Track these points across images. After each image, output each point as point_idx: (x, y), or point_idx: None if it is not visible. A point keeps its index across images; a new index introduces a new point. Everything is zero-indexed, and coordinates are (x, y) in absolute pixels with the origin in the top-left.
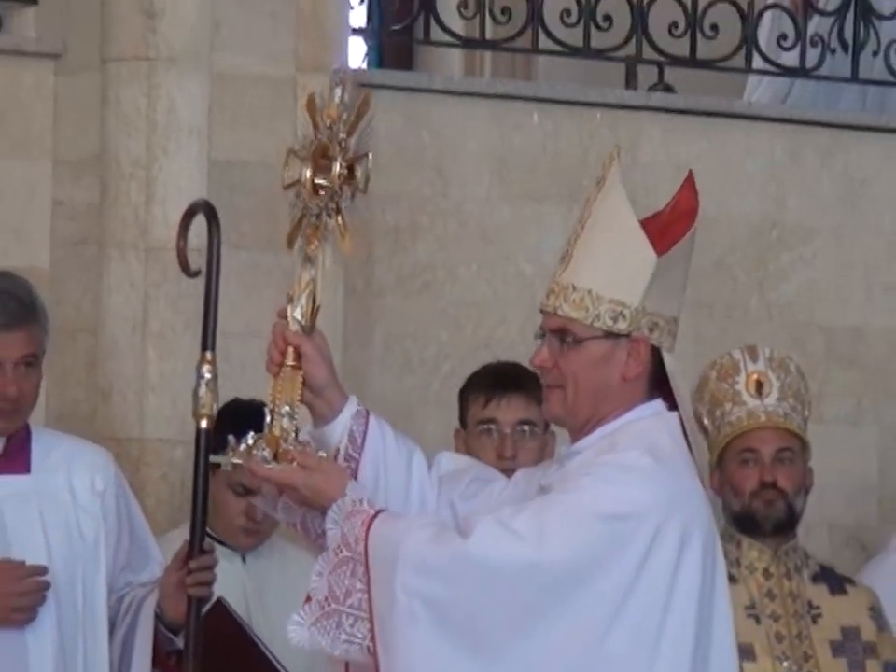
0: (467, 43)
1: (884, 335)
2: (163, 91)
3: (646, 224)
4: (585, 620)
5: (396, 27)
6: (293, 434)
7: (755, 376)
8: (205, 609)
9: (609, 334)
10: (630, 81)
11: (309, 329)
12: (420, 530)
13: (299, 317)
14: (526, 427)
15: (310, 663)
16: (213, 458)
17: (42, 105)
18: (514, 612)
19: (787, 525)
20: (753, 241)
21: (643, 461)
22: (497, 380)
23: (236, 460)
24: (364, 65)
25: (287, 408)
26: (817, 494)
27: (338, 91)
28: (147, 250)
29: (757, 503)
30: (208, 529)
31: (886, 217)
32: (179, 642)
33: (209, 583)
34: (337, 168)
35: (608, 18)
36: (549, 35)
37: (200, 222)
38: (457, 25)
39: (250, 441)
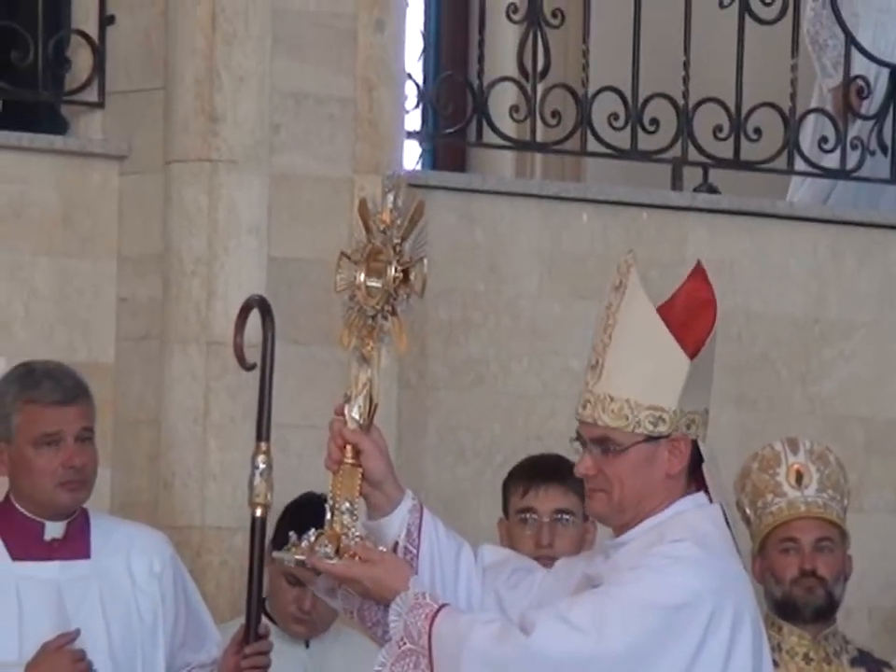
0: (518, 145)
1: None
2: (224, 192)
3: (666, 319)
4: None
5: (449, 130)
6: (353, 529)
7: (796, 467)
8: None
9: (651, 438)
10: (676, 182)
11: (367, 426)
12: (484, 626)
13: (357, 416)
14: (565, 517)
15: None
16: (276, 555)
17: (107, 205)
18: None
19: (826, 611)
20: (796, 336)
21: (693, 551)
22: (536, 470)
23: (299, 556)
24: (419, 167)
25: (346, 504)
26: (857, 580)
27: (391, 196)
28: (209, 344)
29: (797, 590)
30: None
31: None
32: None
33: (265, 667)
34: (392, 272)
35: (654, 121)
36: (597, 137)
37: (256, 317)
38: (509, 128)
39: (312, 538)
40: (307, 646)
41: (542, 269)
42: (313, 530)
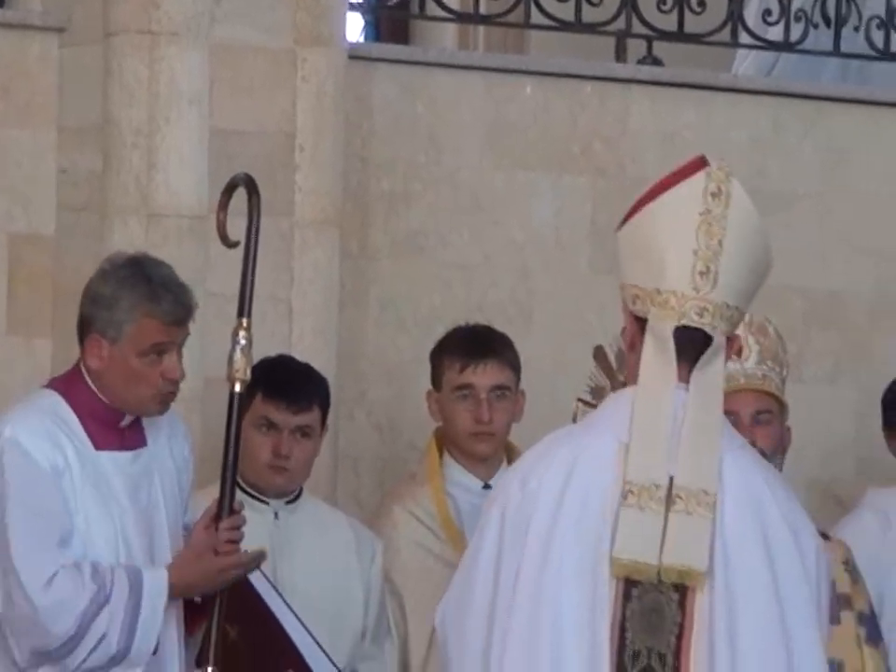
0: (461, 17)
1: (861, 298)
2: (165, 63)
3: None
4: None
5: (392, 1)
6: None
7: (757, 344)
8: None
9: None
10: (619, 55)
11: None
12: None
13: None
14: (501, 392)
15: (335, 625)
16: None
17: (47, 77)
18: None
19: None
20: None
21: None
22: (473, 346)
23: None
24: (361, 39)
25: None
26: (796, 451)
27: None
28: (149, 216)
29: None
30: (238, 479)
31: (864, 184)
32: None
33: (236, 541)
34: None
35: None
36: (541, 9)
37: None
38: (452, 0)
39: None
40: (276, 517)
41: (484, 141)
42: None
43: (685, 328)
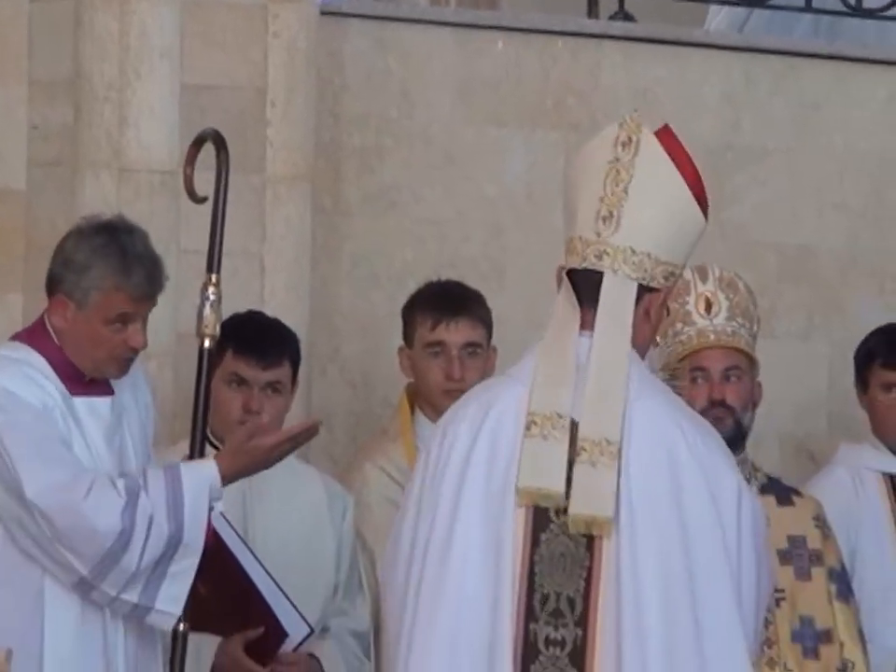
0: None
1: (833, 254)
2: (136, 17)
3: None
4: None
5: None
6: None
7: (705, 296)
8: None
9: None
10: (591, 10)
11: None
12: None
13: None
14: (473, 349)
15: (307, 580)
16: None
17: (17, 30)
18: None
19: (735, 440)
20: (709, 162)
21: None
22: (446, 303)
23: None
24: None
25: None
26: (768, 406)
27: None
28: (121, 170)
29: (707, 420)
30: (209, 434)
31: (836, 139)
32: None
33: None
34: None
35: None
36: None
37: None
38: None
39: None
40: None
41: (456, 96)
42: None
43: (588, 272)
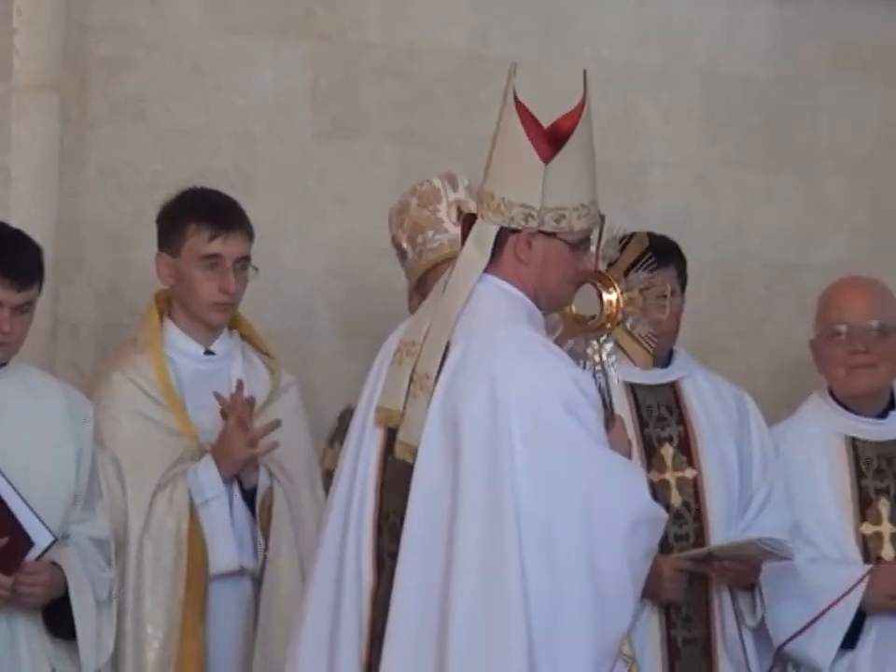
0: None
1: None
2: None
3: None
4: None
5: None
6: None
7: (456, 204)
8: None
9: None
10: None
11: None
12: None
13: None
14: (244, 263)
15: (47, 489)
16: None
17: None
18: None
19: None
20: (460, 72)
21: None
22: (222, 215)
23: None
24: None
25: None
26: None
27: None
28: None
29: None
30: None
31: (585, 49)
32: None
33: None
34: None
35: None
36: None
37: None
38: None
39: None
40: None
41: (204, 6)
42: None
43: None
